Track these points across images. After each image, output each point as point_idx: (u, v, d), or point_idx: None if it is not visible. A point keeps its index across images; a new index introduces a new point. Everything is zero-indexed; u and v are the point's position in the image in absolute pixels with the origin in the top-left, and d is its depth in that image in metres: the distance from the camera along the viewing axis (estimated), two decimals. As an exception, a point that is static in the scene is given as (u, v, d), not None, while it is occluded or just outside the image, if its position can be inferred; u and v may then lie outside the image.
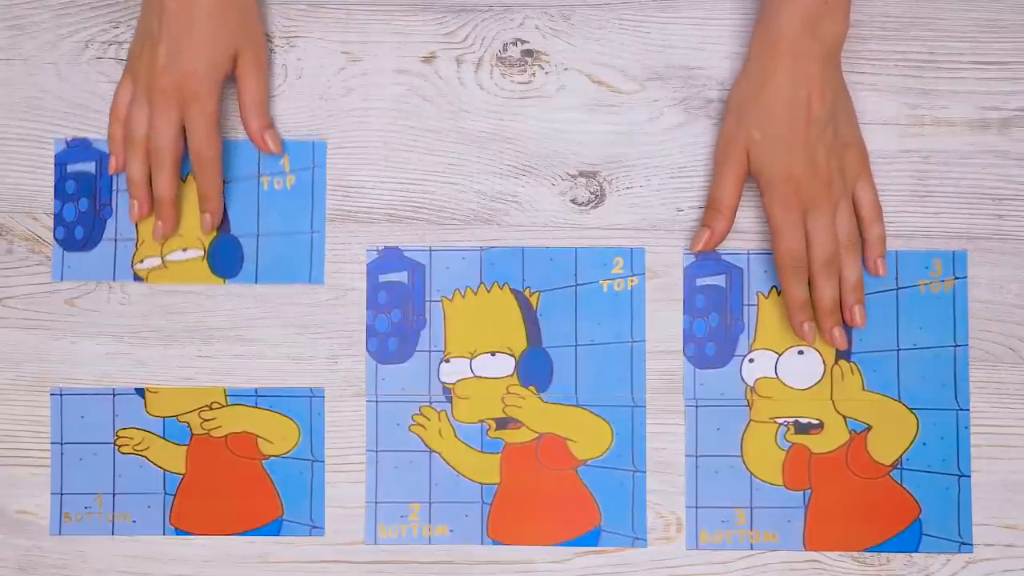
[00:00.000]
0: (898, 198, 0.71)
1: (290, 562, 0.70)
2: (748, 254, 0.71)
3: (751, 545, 0.70)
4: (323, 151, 0.71)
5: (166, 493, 0.71)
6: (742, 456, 0.70)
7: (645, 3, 0.72)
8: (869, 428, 0.70)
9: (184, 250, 0.71)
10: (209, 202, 0.69)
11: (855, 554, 0.70)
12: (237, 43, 0.67)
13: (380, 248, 0.71)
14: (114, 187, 0.71)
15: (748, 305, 0.71)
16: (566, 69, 0.72)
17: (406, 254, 0.71)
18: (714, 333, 0.71)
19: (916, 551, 0.70)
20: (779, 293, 0.70)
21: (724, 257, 0.71)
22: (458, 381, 0.71)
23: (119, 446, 0.71)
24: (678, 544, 0.70)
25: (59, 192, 0.71)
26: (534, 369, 0.71)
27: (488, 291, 0.71)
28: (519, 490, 0.70)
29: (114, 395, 0.71)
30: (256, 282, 0.71)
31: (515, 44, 0.72)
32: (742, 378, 0.71)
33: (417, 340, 0.71)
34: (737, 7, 0.72)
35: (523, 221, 0.71)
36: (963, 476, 0.70)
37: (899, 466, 0.70)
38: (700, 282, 0.71)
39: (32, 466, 0.71)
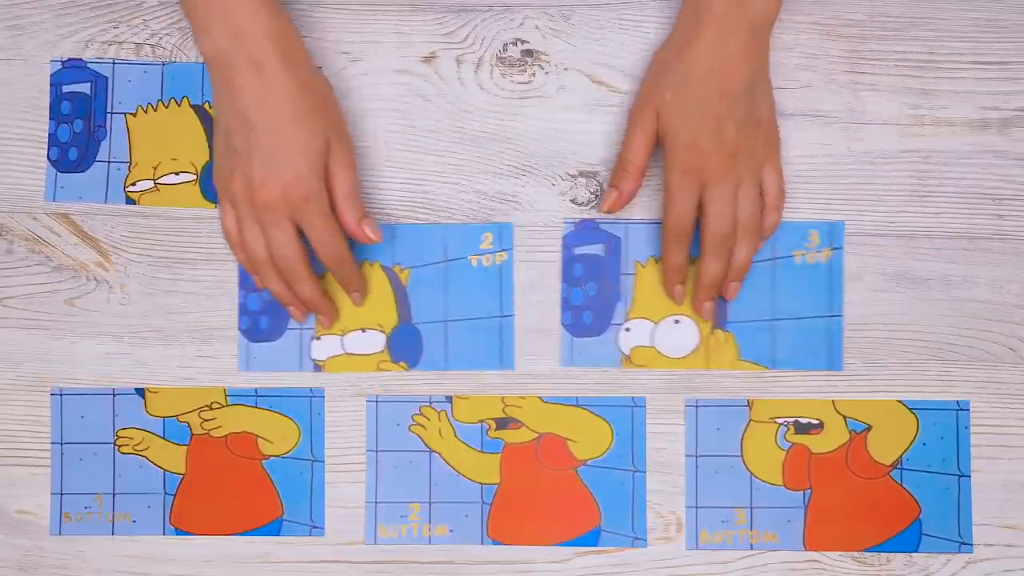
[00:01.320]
0: (898, 198, 0.71)
1: (290, 562, 0.70)
2: (627, 223, 0.71)
3: (751, 545, 0.70)
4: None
5: (166, 493, 0.71)
6: (742, 456, 0.70)
7: (645, 3, 0.72)
8: (869, 428, 0.70)
9: (176, 173, 0.71)
10: (355, 290, 0.70)
11: (855, 554, 0.70)
12: (327, 136, 0.65)
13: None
14: (108, 108, 0.71)
15: (625, 274, 0.71)
16: (566, 69, 0.72)
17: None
18: (591, 302, 0.71)
19: (916, 551, 0.70)
20: (657, 262, 0.70)
21: (602, 226, 0.71)
22: (328, 358, 0.71)
23: (119, 446, 0.71)
24: (678, 544, 0.70)
25: (54, 113, 0.71)
26: (406, 345, 0.71)
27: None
28: (519, 490, 0.70)
29: (114, 395, 0.71)
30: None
31: (515, 44, 0.72)
32: (618, 347, 0.71)
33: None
34: (737, 7, 0.72)
35: (523, 221, 0.71)
36: (963, 476, 0.70)
37: (899, 466, 0.70)
38: (578, 251, 0.71)
39: (32, 466, 0.71)
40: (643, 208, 0.71)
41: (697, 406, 0.71)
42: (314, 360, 0.71)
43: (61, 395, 0.71)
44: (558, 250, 0.71)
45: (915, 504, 0.70)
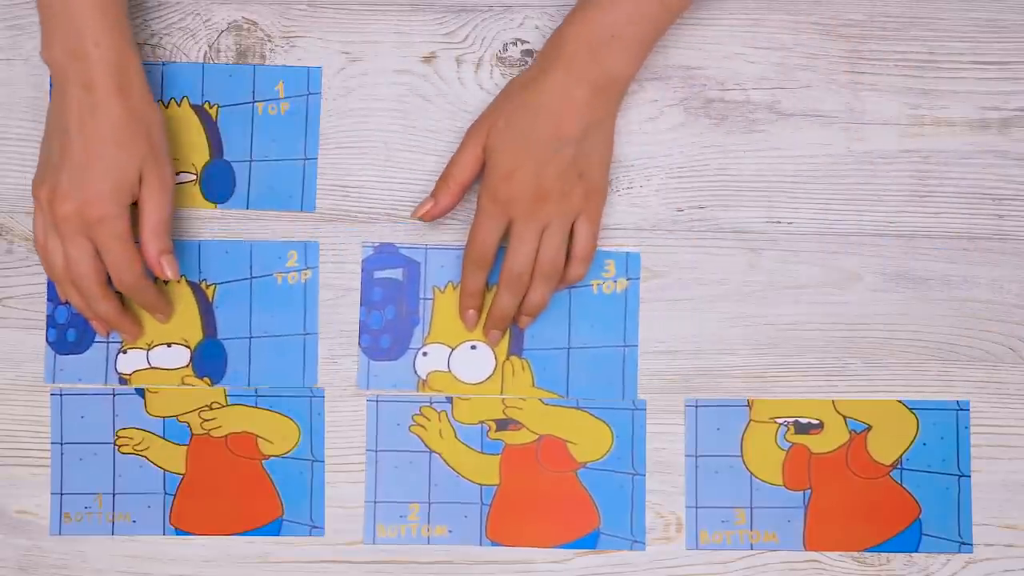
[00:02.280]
0: (898, 198, 0.71)
1: (290, 562, 0.70)
2: (426, 248, 0.71)
3: (751, 545, 0.70)
4: (318, 77, 0.71)
5: (166, 493, 0.71)
6: (742, 456, 0.70)
7: (645, 3, 0.72)
8: (869, 428, 0.70)
9: (177, 173, 0.71)
10: (158, 312, 0.70)
11: (855, 554, 0.70)
12: (142, 165, 0.65)
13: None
14: None
15: (424, 299, 0.71)
16: (566, 69, 0.72)
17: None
18: (389, 325, 0.71)
19: (916, 551, 0.70)
20: (455, 288, 0.71)
21: (402, 251, 0.71)
22: (133, 372, 0.71)
23: (119, 446, 0.71)
24: (678, 544, 0.70)
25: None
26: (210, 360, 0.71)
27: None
28: (518, 491, 0.70)
29: (114, 395, 0.71)
30: (247, 207, 0.71)
31: (515, 44, 0.72)
32: (415, 371, 0.71)
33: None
34: (737, 7, 0.71)
35: (523, 221, 0.71)
36: (963, 476, 0.70)
37: (899, 466, 0.70)
38: (378, 275, 0.71)
39: (32, 466, 0.71)
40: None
41: (697, 406, 0.71)
42: (120, 373, 0.71)
43: (61, 395, 0.71)
44: (364, 272, 0.71)
45: (915, 504, 0.70)
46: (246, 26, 0.72)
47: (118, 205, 0.65)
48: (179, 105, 0.71)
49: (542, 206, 0.66)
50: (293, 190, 0.71)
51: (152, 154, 0.66)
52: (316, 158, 0.71)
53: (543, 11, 0.72)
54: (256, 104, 0.71)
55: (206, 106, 0.71)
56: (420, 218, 0.68)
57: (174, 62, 0.71)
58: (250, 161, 0.71)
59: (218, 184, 0.71)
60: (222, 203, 0.71)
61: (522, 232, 0.66)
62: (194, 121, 0.71)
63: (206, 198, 0.71)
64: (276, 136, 0.71)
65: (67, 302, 0.70)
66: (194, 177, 0.71)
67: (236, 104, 0.71)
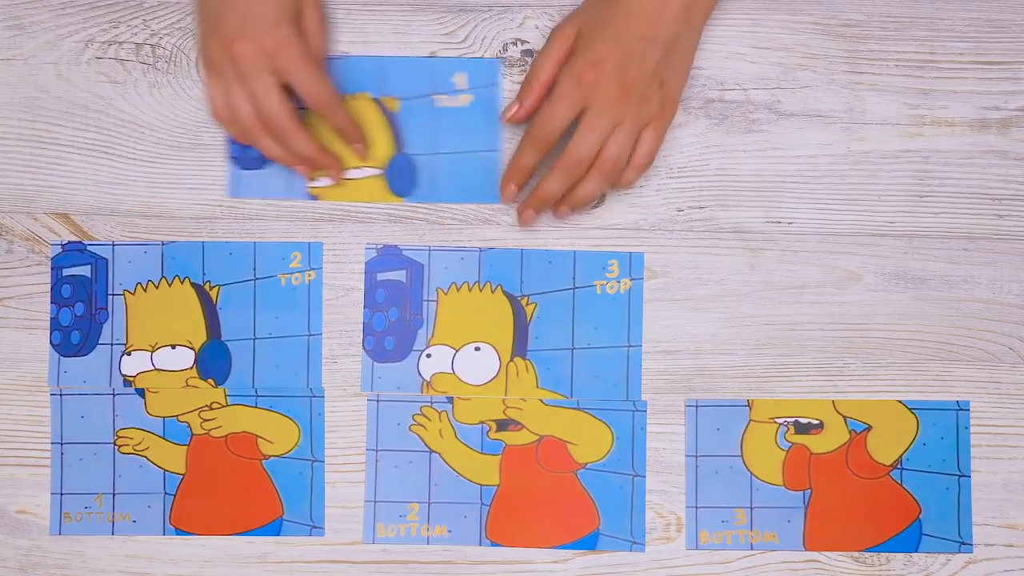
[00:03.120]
0: (898, 198, 0.71)
1: (290, 562, 0.70)
2: (429, 250, 0.71)
3: (751, 545, 0.70)
4: (494, 68, 0.71)
5: (166, 493, 0.71)
6: (742, 456, 0.70)
7: (645, 3, 0.72)
8: (869, 428, 0.70)
9: (359, 168, 0.71)
10: (350, 134, 0.69)
11: (855, 554, 0.70)
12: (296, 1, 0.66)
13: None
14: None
15: (428, 301, 0.71)
16: (566, 69, 0.72)
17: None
18: (393, 327, 0.71)
19: (916, 551, 0.70)
20: (458, 289, 0.70)
21: (405, 252, 0.71)
22: (138, 374, 0.71)
23: (119, 446, 0.71)
24: (678, 544, 0.70)
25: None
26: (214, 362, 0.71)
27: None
28: (518, 492, 0.70)
29: (114, 395, 0.71)
30: (435, 200, 0.71)
31: (515, 44, 0.72)
32: (419, 372, 0.71)
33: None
34: (737, 7, 0.71)
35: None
36: (963, 476, 0.70)
37: (899, 466, 0.70)
38: (381, 277, 0.71)
39: (32, 466, 0.71)
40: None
41: (697, 406, 0.71)
42: (124, 375, 0.71)
43: (61, 395, 0.71)
44: (365, 273, 0.71)
45: (915, 504, 0.70)
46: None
47: (290, 27, 0.65)
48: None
49: (621, 101, 0.65)
50: (478, 181, 0.71)
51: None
52: (498, 150, 0.71)
53: (543, 11, 0.72)
54: (434, 96, 0.71)
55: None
56: (508, 121, 0.68)
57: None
58: (434, 154, 0.71)
59: (402, 178, 0.71)
60: (408, 196, 0.71)
61: (594, 121, 0.66)
62: (377, 115, 0.71)
63: (392, 192, 0.71)
64: (458, 128, 0.71)
65: (72, 305, 0.70)
66: (379, 171, 0.71)
67: (416, 97, 0.71)
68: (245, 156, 0.70)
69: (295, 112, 0.67)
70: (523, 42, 0.72)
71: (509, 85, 0.71)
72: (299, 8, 0.66)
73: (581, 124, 0.66)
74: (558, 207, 0.69)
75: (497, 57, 0.71)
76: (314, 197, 0.70)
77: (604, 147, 0.66)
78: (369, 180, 0.71)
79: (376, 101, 0.71)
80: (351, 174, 0.71)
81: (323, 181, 0.70)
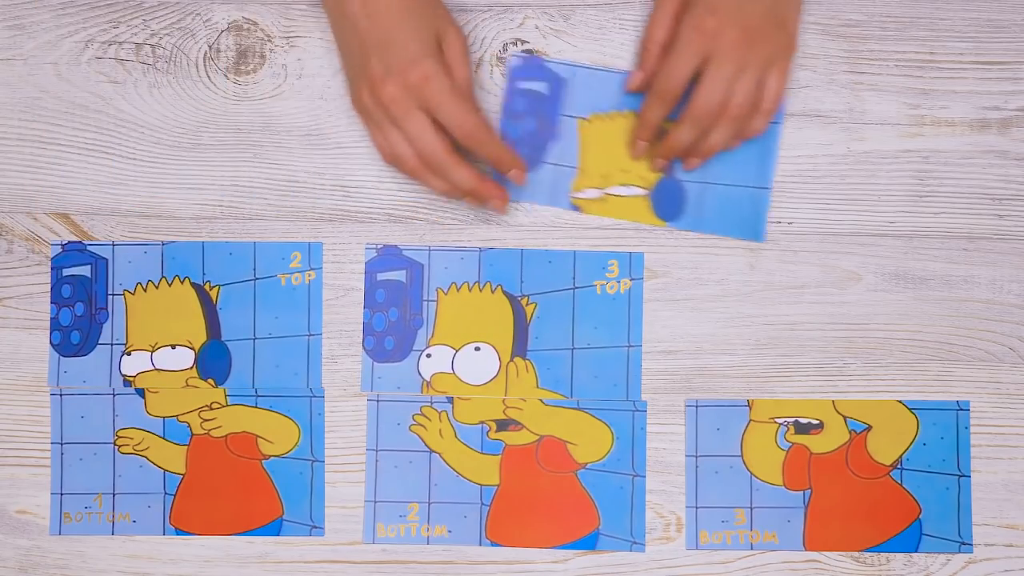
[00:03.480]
0: (898, 198, 0.71)
1: (290, 562, 0.70)
2: (429, 250, 0.71)
3: (751, 545, 0.70)
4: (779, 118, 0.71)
5: (166, 493, 0.71)
6: (742, 456, 0.70)
7: (645, 3, 0.72)
8: (869, 428, 0.70)
9: (626, 185, 0.70)
10: (504, 163, 0.67)
11: (855, 554, 0.70)
12: (437, 26, 0.65)
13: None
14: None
15: (428, 301, 0.71)
16: (566, 69, 0.72)
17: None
18: (393, 328, 0.71)
19: (916, 551, 0.70)
20: (458, 289, 0.71)
21: (405, 252, 0.71)
22: (138, 374, 0.71)
23: (119, 446, 0.71)
24: (678, 544, 0.70)
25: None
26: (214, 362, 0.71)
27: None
28: (518, 492, 0.70)
29: (114, 395, 0.71)
30: (699, 230, 0.70)
31: (515, 44, 0.72)
32: (419, 372, 0.71)
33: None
34: (737, 7, 0.71)
35: (523, 221, 0.71)
36: (963, 476, 0.70)
37: (899, 466, 0.70)
38: (381, 277, 0.71)
39: (32, 466, 0.71)
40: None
41: (697, 406, 0.71)
42: (124, 375, 0.71)
43: (61, 395, 0.71)
44: (365, 273, 0.71)
45: (915, 504, 0.70)
46: (246, 26, 0.72)
47: (434, 62, 0.64)
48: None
49: (744, 46, 0.65)
50: (744, 216, 0.70)
51: (443, 16, 0.66)
52: (768, 188, 0.70)
53: (543, 11, 0.72)
54: None
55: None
56: (634, 89, 0.68)
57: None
58: (703, 183, 0.70)
59: (668, 202, 0.71)
60: (672, 221, 0.71)
61: (719, 69, 0.65)
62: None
63: (656, 215, 0.71)
64: (731, 161, 0.70)
65: (72, 305, 0.70)
66: (645, 192, 0.70)
67: None
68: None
69: (451, 145, 0.66)
70: (523, 42, 0.72)
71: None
72: (440, 40, 0.65)
73: (706, 73, 0.65)
74: (688, 159, 0.69)
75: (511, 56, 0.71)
76: (577, 208, 0.70)
77: (731, 94, 0.66)
78: (634, 199, 0.71)
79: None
80: (616, 191, 0.70)
81: (588, 193, 0.70)
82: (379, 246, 0.71)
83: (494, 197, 0.67)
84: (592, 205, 0.70)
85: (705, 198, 0.70)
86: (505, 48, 0.72)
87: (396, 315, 0.71)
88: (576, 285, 0.71)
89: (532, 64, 0.70)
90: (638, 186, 0.70)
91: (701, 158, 0.69)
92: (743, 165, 0.70)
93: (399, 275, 0.71)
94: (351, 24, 0.65)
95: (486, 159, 0.67)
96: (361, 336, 0.71)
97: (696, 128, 0.67)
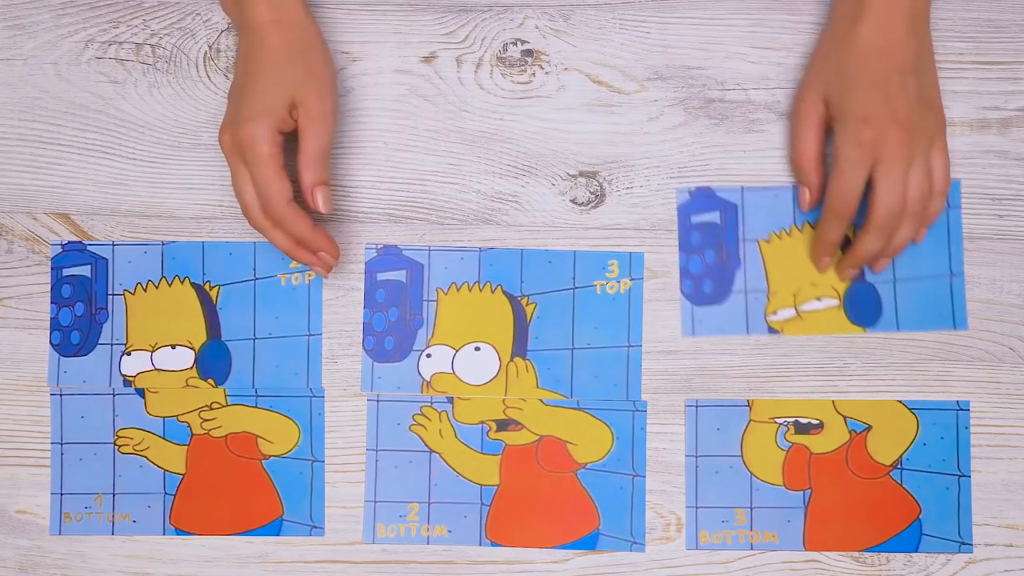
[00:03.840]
0: (898, 198, 0.71)
1: (290, 562, 0.70)
2: (429, 250, 0.71)
3: (751, 545, 0.70)
4: (957, 191, 0.70)
5: (166, 493, 0.71)
6: (742, 456, 0.70)
7: (645, 3, 0.72)
8: (869, 428, 0.70)
9: (819, 299, 0.70)
10: (310, 244, 0.66)
11: (855, 554, 0.70)
12: (296, 92, 0.64)
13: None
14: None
15: (428, 301, 0.71)
16: (566, 69, 0.72)
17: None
18: (393, 327, 0.71)
19: (916, 551, 0.70)
20: (458, 289, 0.71)
21: (405, 252, 0.71)
22: (138, 374, 0.71)
23: (119, 446, 0.71)
24: (678, 544, 0.70)
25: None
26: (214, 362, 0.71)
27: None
28: (518, 492, 0.70)
29: (114, 395, 0.71)
30: (901, 329, 0.70)
31: (515, 44, 0.72)
32: (419, 372, 0.71)
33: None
34: (737, 7, 0.71)
35: (523, 221, 0.71)
36: (963, 476, 0.70)
37: (899, 466, 0.70)
38: (381, 277, 0.71)
39: (32, 466, 0.71)
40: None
41: (697, 406, 0.71)
42: (124, 375, 0.71)
43: (61, 395, 0.71)
44: (366, 273, 0.71)
45: (915, 504, 0.70)
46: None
47: (265, 127, 0.63)
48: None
49: (907, 142, 0.65)
50: (940, 307, 0.70)
51: (310, 82, 0.65)
52: (958, 275, 0.70)
53: (543, 11, 0.72)
54: None
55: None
56: (807, 209, 0.69)
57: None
58: (895, 281, 0.70)
59: (864, 308, 0.70)
60: (871, 326, 0.70)
61: (891, 173, 0.65)
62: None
63: (852, 322, 0.70)
64: (918, 254, 0.70)
65: (72, 305, 0.70)
66: (837, 302, 0.70)
67: None
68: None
69: (282, 200, 0.64)
70: (523, 42, 0.72)
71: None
72: (294, 101, 0.64)
73: (878, 180, 0.65)
74: (877, 261, 0.69)
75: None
76: (776, 331, 0.70)
77: (906, 191, 0.66)
78: (829, 311, 0.70)
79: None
80: (810, 306, 0.70)
81: (783, 314, 0.70)
82: (379, 246, 0.71)
83: (326, 249, 0.66)
84: (790, 325, 0.70)
85: (899, 296, 0.70)
86: (505, 48, 0.72)
87: (396, 315, 0.71)
88: (576, 285, 0.71)
89: (703, 195, 0.71)
90: (830, 297, 0.70)
91: (890, 258, 0.69)
92: (931, 255, 0.70)
93: (399, 275, 0.71)
94: (238, 61, 0.66)
95: (294, 236, 0.66)
96: (361, 336, 0.71)
97: (882, 235, 0.67)
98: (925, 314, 0.70)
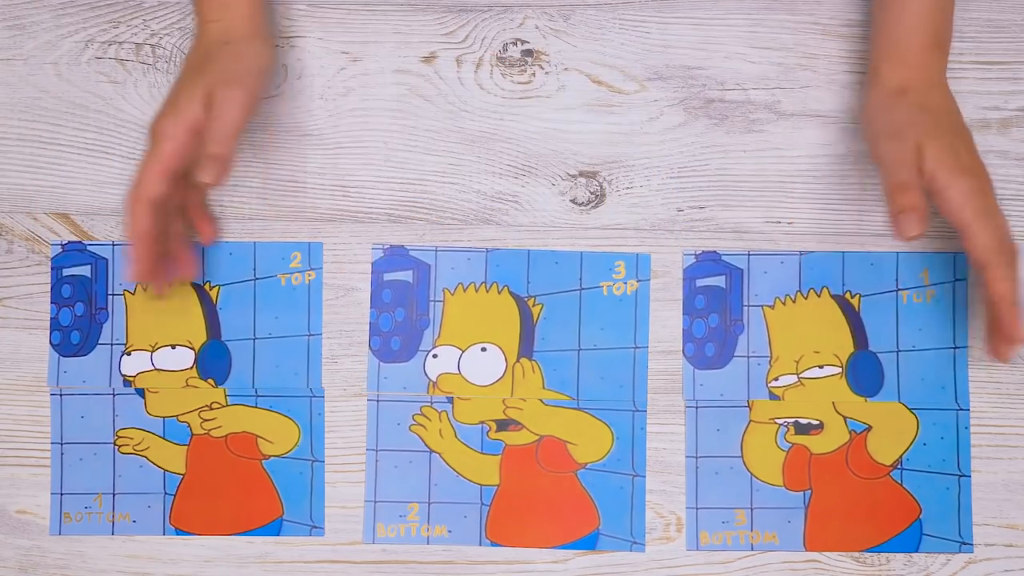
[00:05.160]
0: (898, 198, 0.71)
1: (290, 562, 0.70)
2: (436, 250, 0.71)
3: (751, 546, 0.70)
4: (954, 266, 0.70)
5: (166, 493, 0.71)
6: (742, 457, 0.70)
7: (645, 3, 0.72)
8: (869, 428, 0.70)
9: (821, 367, 0.70)
10: (131, 250, 0.65)
11: (855, 554, 0.70)
12: (211, 89, 0.64)
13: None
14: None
15: (434, 301, 0.71)
16: (566, 69, 0.72)
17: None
18: (399, 328, 0.71)
19: (916, 551, 0.70)
20: (465, 290, 0.71)
21: (412, 253, 0.71)
22: (138, 374, 0.71)
23: (119, 446, 0.71)
24: (678, 544, 0.70)
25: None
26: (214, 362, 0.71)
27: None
28: (518, 492, 0.70)
29: (114, 395, 0.71)
30: (899, 400, 0.70)
31: (515, 44, 0.72)
32: (425, 373, 0.71)
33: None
34: (737, 7, 0.71)
35: (523, 221, 0.71)
36: (963, 476, 0.70)
37: (899, 466, 0.70)
38: (388, 277, 0.71)
39: (32, 466, 0.71)
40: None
41: (697, 407, 0.70)
42: (124, 375, 0.71)
43: (61, 395, 0.71)
44: (368, 271, 0.71)
45: (915, 504, 0.70)
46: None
47: (170, 124, 0.64)
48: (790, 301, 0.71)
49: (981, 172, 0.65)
50: (943, 379, 0.70)
51: (226, 78, 0.65)
52: (967, 345, 0.70)
53: (543, 11, 0.72)
54: (900, 292, 0.70)
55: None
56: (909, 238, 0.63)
57: None
58: (897, 351, 0.70)
59: (865, 377, 0.70)
60: (872, 396, 0.70)
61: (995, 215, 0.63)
62: (836, 313, 0.70)
63: (855, 392, 0.70)
64: (923, 325, 0.70)
65: (72, 305, 0.71)
66: (839, 370, 0.70)
67: (880, 293, 0.70)
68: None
69: (142, 195, 0.64)
70: (523, 42, 0.72)
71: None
72: (208, 96, 0.64)
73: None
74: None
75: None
76: (777, 396, 0.70)
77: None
78: (830, 379, 0.70)
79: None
80: (811, 373, 0.70)
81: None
82: (386, 246, 0.71)
83: (131, 266, 0.65)
84: (791, 392, 0.70)
85: (902, 367, 0.70)
86: (505, 48, 0.72)
87: (403, 315, 0.71)
88: (583, 286, 0.71)
89: (708, 259, 0.71)
90: (833, 365, 0.70)
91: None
92: (936, 326, 0.70)
93: (406, 275, 0.71)
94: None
95: (127, 230, 0.65)
96: (365, 336, 0.71)
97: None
98: (929, 388, 0.70)
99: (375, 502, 0.70)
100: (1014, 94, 0.71)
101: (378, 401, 0.71)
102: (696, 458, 0.70)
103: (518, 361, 0.71)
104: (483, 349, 0.71)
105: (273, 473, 0.71)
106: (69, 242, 0.71)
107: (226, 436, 0.71)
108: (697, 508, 0.70)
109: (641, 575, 0.70)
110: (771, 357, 0.70)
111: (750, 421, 0.70)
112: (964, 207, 0.62)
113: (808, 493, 0.70)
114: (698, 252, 0.71)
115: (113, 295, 0.71)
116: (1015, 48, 0.71)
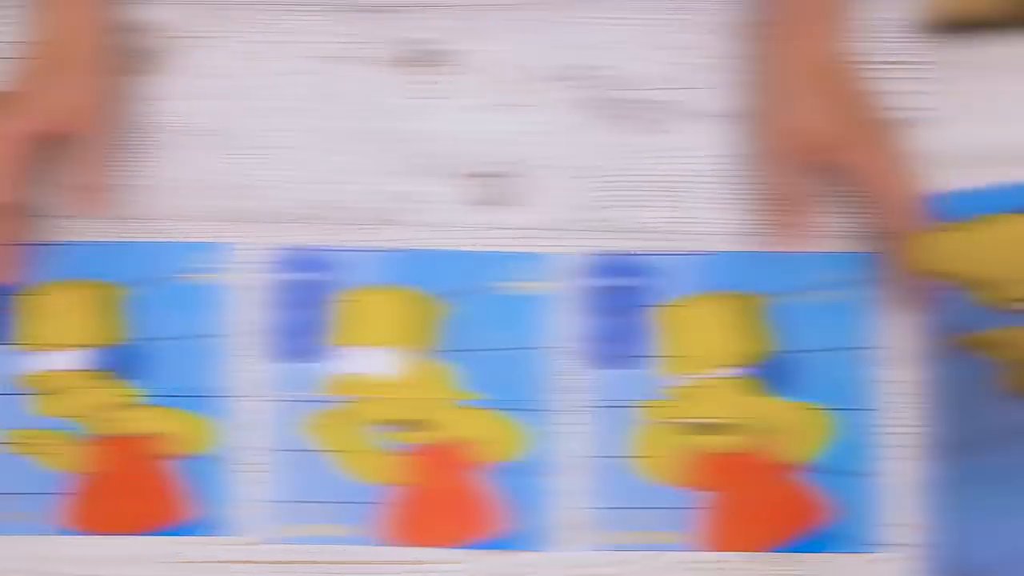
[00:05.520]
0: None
1: (196, 562, 0.70)
2: (339, 250, 0.71)
3: (657, 546, 0.70)
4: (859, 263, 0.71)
5: (66, 493, 0.70)
6: (646, 457, 0.70)
7: (547, 3, 0.72)
8: (776, 428, 0.70)
9: (723, 367, 0.70)
10: None
11: (761, 554, 0.70)
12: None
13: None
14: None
15: (336, 301, 0.71)
16: (469, 69, 0.72)
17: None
18: (299, 328, 0.71)
19: (824, 551, 0.70)
20: (370, 290, 0.71)
21: (315, 253, 0.71)
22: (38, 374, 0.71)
23: (16, 445, 0.70)
24: (583, 545, 0.70)
25: None
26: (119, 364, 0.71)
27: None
28: (423, 491, 0.70)
29: (8, 393, 0.71)
30: (806, 400, 0.70)
31: (420, 43, 0.72)
32: (329, 373, 0.71)
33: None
34: (640, 7, 0.72)
35: (427, 221, 0.71)
36: (871, 476, 0.70)
37: (807, 466, 0.70)
38: (287, 277, 0.71)
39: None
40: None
41: (600, 407, 0.71)
42: (25, 375, 0.71)
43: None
44: (270, 272, 0.71)
45: (823, 504, 0.70)
46: (149, 26, 0.72)
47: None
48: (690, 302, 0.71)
49: None
50: (848, 381, 0.70)
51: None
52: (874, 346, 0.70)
53: (448, 11, 0.72)
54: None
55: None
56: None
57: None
58: (802, 351, 0.70)
59: (774, 376, 0.70)
60: (779, 396, 0.70)
61: None
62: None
63: (760, 390, 0.70)
64: (831, 324, 0.70)
65: None
66: (743, 370, 0.70)
67: (788, 292, 0.71)
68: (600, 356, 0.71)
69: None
70: (428, 41, 0.72)
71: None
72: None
73: None
74: None
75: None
76: (682, 397, 0.70)
77: None
78: (735, 380, 0.70)
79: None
80: (716, 373, 0.70)
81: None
82: (287, 246, 0.71)
83: None
84: (695, 392, 0.70)
85: (808, 366, 0.70)
86: (410, 47, 0.72)
87: (305, 316, 0.71)
88: (487, 286, 0.71)
89: (612, 259, 0.71)
90: (738, 365, 0.70)
91: None
92: (844, 327, 0.70)
93: (309, 275, 0.71)
94: None
95: None
96: (269, 336, 0.71)
97: None
98: (836, 388, 0.70)
99: (278, 502, 0.70)
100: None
101: (281, 401, 0.71)
102: (600, 458, 0.70)
103: (422, 361, 0.71)
104: (387, 349, 0.71)
105: (178, 472, 0.71)
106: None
107: (132, 436, 0.71)
108: (600, 508, 0.70)
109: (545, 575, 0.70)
110: (675, 357, 0.70)
111: (654, 421, 0.70)
112: None
113: (712, 493, 0.70)
114: (601, 252, 0.71)
115: (16, 294, 0.71)
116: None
